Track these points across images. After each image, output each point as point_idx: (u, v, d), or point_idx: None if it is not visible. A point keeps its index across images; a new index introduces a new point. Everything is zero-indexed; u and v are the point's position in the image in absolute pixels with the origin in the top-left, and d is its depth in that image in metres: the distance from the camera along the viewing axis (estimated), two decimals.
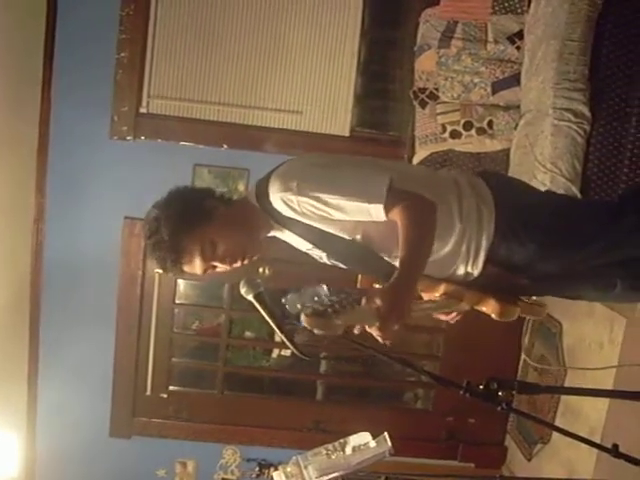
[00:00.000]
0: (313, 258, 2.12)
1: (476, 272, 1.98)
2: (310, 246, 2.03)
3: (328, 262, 2.07)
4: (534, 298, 2.06)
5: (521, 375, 4.42)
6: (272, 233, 2.07)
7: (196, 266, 1.97)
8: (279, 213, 1.94)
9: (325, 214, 1.88)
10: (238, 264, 1.99)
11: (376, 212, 1.82)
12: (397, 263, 1.83)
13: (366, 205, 1.82)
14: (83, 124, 4.18)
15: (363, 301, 1.72)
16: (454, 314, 2.11)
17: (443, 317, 2.12)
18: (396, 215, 1.81)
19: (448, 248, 1.93)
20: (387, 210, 1.81)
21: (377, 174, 1.89)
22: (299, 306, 1.73)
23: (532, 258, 1.97)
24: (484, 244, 1.94)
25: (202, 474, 4.61)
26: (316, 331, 1.67)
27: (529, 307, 2.09)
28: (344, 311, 1.69)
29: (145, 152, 4.22)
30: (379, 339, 1.78)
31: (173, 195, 1.99)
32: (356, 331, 1.80)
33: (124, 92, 4.18)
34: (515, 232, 1.94)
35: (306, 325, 1.68)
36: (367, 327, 1.77)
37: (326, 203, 1.85)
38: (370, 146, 4.31)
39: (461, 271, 1.98)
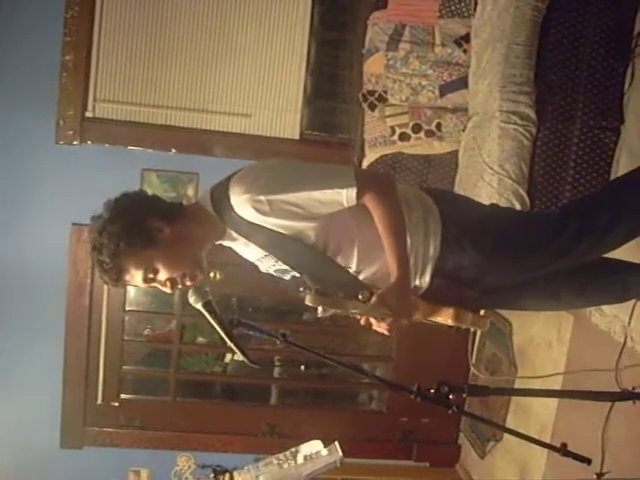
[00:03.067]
0: (258, 268, 2.10)
1: (424, 285, 2.00)
2: (263, 254, 1.99)
3: (274, 274, 2.05)
4: (482, 311, 2.08)
5: (473, 373, 4.47)
6: (222, 241, 2.03)
7: (138, 284, 1.94)
8: (240, 220, 1.88)
9: (298, 210, 1.85)
10: (180, 287, 1.95)
11: (349, 197, 1.83)
12: (352, 269, 1.90)
13: (338, 191, 1.82)
14: (28, 129, 4.09)
15: (373, 299, 1.79)
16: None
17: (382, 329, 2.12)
18: (369, 203, 1.85)
19: None
20: (359, 195, 1.83)
21: (339, 166, 1.95)
22: (301, 289, 1.80)
23: (479, 270, 2.00)
24: (431, 256, 1.96)
25: None
26: (320, 310, 1.70)
27: (478, 319, 2.11)
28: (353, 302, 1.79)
29: (92, 157, 4.15)
30: (385, 332, 1.87)
31: (119, 207, 1.91)
32: (362, 322, 1.89)
33: (69, 96, 4.10)
34: (462, 245, 1.97)
35: (311, 304, 1.76)
36: (373, 321, 1.86)
37: (299, 197, 1.83)
38: (320, 149, 4.32)
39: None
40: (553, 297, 2.21)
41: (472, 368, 4.39)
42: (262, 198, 1.82)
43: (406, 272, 1.84)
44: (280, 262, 1.99)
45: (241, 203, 1.84)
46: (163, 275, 1.92)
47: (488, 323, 2.13)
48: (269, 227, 1.88)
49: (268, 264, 2.03)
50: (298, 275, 2.01)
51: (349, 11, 4.41)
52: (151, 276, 1.91)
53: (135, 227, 1.87)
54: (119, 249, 1.85)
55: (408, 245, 1.91)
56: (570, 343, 3.46)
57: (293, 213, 1.85)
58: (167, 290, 1.95)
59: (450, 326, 2.04)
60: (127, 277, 1.91)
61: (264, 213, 1.84)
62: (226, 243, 2.04)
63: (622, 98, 3.16)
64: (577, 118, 3.15)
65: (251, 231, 1.91)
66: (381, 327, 1.85)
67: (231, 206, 1.86)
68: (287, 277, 2.04)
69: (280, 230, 1.88)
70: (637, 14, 3.14)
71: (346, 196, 1.83)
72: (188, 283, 1.93)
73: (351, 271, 1.94)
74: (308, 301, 1.81)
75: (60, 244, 4.20)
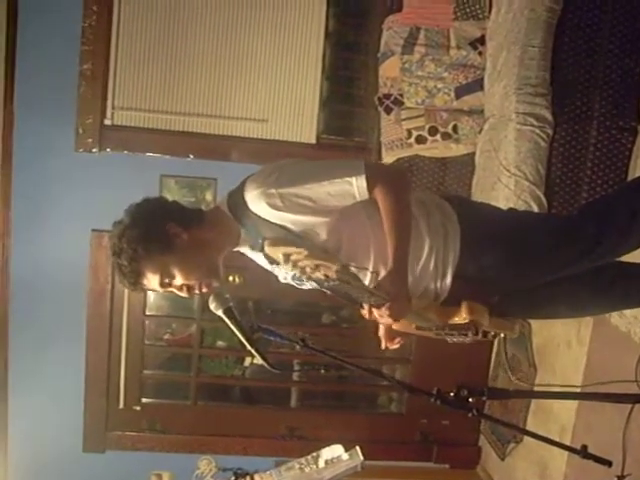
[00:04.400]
0: (276, 277, 2.11)
1: (445, 292, 2.00)
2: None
3: (291, 282, 2.05)
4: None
5: (492, 375, 4.47)
6: (239, 248, 2.05)
7: (155, 288, 1.97)
8: (254, 217, 1.89)
9: (309, 203, 1.85)
10: (197, 292, 1.98)
11: (359, 187, 1.83)
12: (366, 276, 1.89)
13: (348, 180, 1.83)
14: (48, 137, 4.14)
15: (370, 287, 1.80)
16: (398, 339, 2.14)
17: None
18: (378, 195, 1.84)
19: (421, 264, 1.96)
20: (370, 185, 1.83)
21: (351, 159, 1.95)
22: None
23: (499, 274, 2.00)
24: (451, 260, 1.96)
25: None
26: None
27: (506, 323, 2.11)
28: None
29: (111, 164, 4.19)
30: (388, 319, 1.85)
31: (139, 212, 1.95)
32: (367, 316, 1.88)
33: (88, 104, 4.15)
34: (481, 248, 1.97)
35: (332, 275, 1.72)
36: (375, 312, 1.85)
37: (309, 189, 1.84)
38: (337, 153, 4.33)
39: (430, 290, 2.00)
40: (575, 304, 2.21)
41: (491, 369, 4.39)
42: (273, 191, 1.83)
43: (402, 263, 1.83)
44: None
45: (254, 198, 1.86)
46: (179, 280, 1.95)
47: (518, 328, 2.14)
48: (282, 224, 1.88)
49: (282, 273, 2.04)
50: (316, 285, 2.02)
51: (364, 15, 4.42)
52: (167, 281, 1.94)
53: (153, 232, 1.91)
54: (137, 254, 1.89)
55: (426, 249, 1.93)
56: (590, 344, 3.45)
57: (305, 207, 1.85)
58: (184, 295, 1.98)
59: (483, 335, 2.05)
60: (144, 281, 1.94)
61: (277, 208, 1.85)
62: (243, 249, 2.05)
63: (639, 98, 3.15)
64: (594, 119, 3.15)
65: (265, 229, 1.91)
66: (382, 315, 1.84)
67: (245, 203, 1.88)
68: (305, 287, 2.05)
69: (292, 227, 1.88)
70: None
71: (356, 186, 1.83)
72: (204, 290, 1.96)
73: (368, 272, 1.95)
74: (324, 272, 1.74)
75: (80, 250, 4.24)
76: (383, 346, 2.15)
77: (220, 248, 2.00)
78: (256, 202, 1.86)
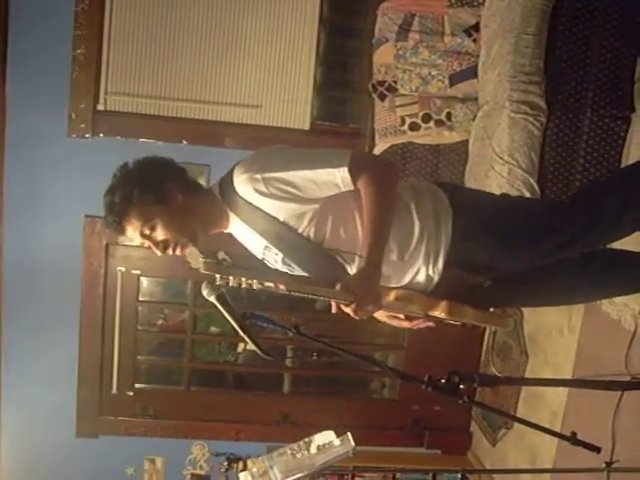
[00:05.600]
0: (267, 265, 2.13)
1: (437, 276, 2.01)
2: (266, 243, 2.02)
3: (281, 267, 2.07)
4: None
5: (484, 361, 4.49)
6: (229, 230, 2.08)
7: (133, 236, 2.02)
8: (241, 201, 1.93)
9: (294, 190, 1.88)
10: (169, 253, 2.02)
11: (343, 177, 1.85)
12: (355, 261, 1.91)
13: (332, 170, 1.85)
14: (40, 122, 4.11)
15: (337, 286, 1.78)
16: (418, 321, 2.12)
17: (406, 324, 2.14)
18: (361, 186, 1.85)
19: (410, 249, 1.96)
20: (353, 176, 1.84)
21: (338, 149, 1.95)
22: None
23: (492, 257, 2.02)
24: (443, 244, 1.97)
25: (171, 470, 4.61)
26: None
27: (495, 317, 2.12)
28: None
29: (104, 149, 4.17)
30: (354, 316, 1.83)
31: (146, 162, 2.02)
32: (333, 310, 1.88)
33: (81, 89, 4.12)
34: (474, 231, 1.98)
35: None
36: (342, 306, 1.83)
37: (294, 176, 1.87)
38: (330, 139, 4.32)
39: (422, 275, 2.01)
40: (567, 291, 2.23)
41: (483, 355, 4.41)
42: (258, 176, 1.87)
43: (375, 262, 1.82)
44: (280, 253, 2.02)
45: (241, 182, 1.90)
46: (159, 235, 2.00)
47: (510, 322, 2.15)
48: (266, 210, 1.92)
49: (272, 258, 2.06)
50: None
51: (359, 0, 4.40)
52: (147, 232, 2.00)
53: (153, 182, 1.98)
54: (131, 195, 1.95)
55: (417, 233, 1.94)
56: (581, 331, 3.47)
57: (289, 193, 1.88)
58: (157, 252, 2.02)
59: (472, 326, 2.06)
60: (127, 225, 1.99)
61: (262, 193, 1.89)
62: (235, 233, 2.08)
63: (633, 86, 3.16)
64: (587, 107, 3.16)
65: (251, 215, 1.95)
66: (349, 311, 1.86)
67: (234, 187, 1.93)
68: (296, 272, 2.06)
69: (276, 214, 1.91)
70: None
71: (340, 177, 1.85)
72: (177, 251, 2.02)
73: (356, 257, 1.95)
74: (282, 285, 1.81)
75: (74, 236, 4.24)
76: (408, 326, 2.14)
77: (206, 222, 2.05)
78: (242, 186, 1.91)
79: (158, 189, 1.97)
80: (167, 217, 1.98)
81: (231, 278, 1.71)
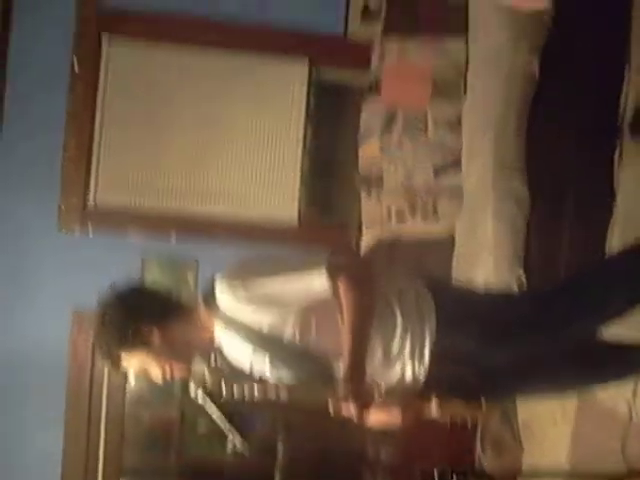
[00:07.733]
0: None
1: (423, 371, 2.00)
2: (252, 349, 2.02)
3: (270, 378, 2.09)
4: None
5: (480, 448, 4.40)
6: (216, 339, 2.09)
7: (132, 373, 2.09)
8: (225, 315, 1.97)
9: (274, 295, 1.90)
10: (170, 379, 2.08)
11: (322, 285, 1.88)
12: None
13: (310, 277, 1.89)
14: (29, 217, 4.16)
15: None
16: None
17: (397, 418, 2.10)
18: (341, 293, 1.87)
19: (394, 345, 1.97)
20: (331, 281, 1.87)
21: (315, 257, 2.00)
22: None
23: (476, 351, 2.03)
24: (427, 340, 1.97)
25: None
26: None
27: (478, 411, 2.11)
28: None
29: (93, 245, 4.20)
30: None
31: (115, 308, 2.02)
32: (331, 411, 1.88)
33: (71, 185, 4.19)
34: (459, 325, 2.00)
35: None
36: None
37: (274, 281, 1.90)
38: (318, 231, 4.39)
39: (408, 374, 2.01)
40: (557, 385, 2.23)
41: (478, 447, 4.32)
42: (238, 282, 1.91)
43: (356, 363, 1.83)
44: (268, 358, 2.02)
45: (222, 290, 1.94)
46: (154, 370, 2.04)
47: (496, 414, 2.13)
48: (250, 319, 1.94)
49: (260, 365, 2.06)
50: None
51: (344, 95, 4.52)
52: (142, 370, 2.05)
53: (128, 329, 1.98)
54: (109, 349, 2.01)
55: (399, 330, 1.95)
56: (575, 420, 3.43)
57: (270, 298, 1.91)
58: (158, 382, 2.07)
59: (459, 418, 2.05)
60: (120, 365, 2.05)
61: (242, 298, 1.91)
62: (222, 344, 2.09)
63: (612, 176, 3.21)
64: (570, 194, 3.20)
65: (235, 325, 1.98)
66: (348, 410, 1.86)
67: (215, 299, 1.97)
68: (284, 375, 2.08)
69: (260, 322, 1.94)
70: (621, 92, 3.22)
71: (319, 284, 1.88)
72: (176, 376, 2.08)
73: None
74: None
75: (60, 332, 4.20)
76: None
77: (193, 342, 2.09)
78: (223, 294, 1.94)
79: (135, 335, 1.98)
80: (153, 354, 2.02)
81: (235, 386, 1.75)
